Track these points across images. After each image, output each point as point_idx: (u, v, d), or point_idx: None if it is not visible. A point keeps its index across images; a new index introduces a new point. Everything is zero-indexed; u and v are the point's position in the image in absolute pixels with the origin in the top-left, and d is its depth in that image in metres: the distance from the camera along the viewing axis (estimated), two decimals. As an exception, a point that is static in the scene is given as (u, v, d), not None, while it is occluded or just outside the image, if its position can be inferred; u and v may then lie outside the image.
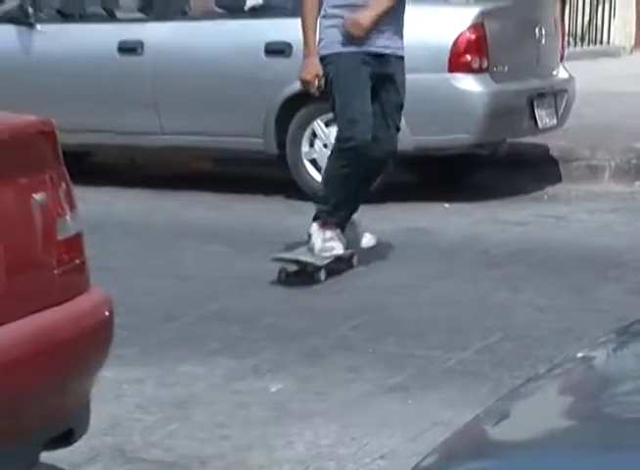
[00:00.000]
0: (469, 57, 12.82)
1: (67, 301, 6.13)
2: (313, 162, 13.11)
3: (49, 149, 6.29)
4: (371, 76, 9.34)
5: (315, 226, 10.24)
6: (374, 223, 11.52)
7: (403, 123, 12.51)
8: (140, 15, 13.80)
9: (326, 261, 10.17)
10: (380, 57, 9.55)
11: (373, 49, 9.48)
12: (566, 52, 14.81)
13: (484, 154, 13.81)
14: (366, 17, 9.35)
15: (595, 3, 19.19)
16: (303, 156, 13.12)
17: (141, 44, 13.35)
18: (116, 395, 7.32)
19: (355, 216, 10.67)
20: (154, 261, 10.44)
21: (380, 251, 10.26)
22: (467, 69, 12.83)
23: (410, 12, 12.82)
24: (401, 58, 9.99)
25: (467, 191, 13.29)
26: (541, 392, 4.59)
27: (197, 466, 7.01)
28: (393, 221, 11.93)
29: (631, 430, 4.19)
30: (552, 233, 12.02)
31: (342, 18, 9.55)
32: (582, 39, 18.49)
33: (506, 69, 13.08)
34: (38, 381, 5.95)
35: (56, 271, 6.12)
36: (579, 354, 4.80)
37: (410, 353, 8.65)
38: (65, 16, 13.67)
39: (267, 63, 13.02)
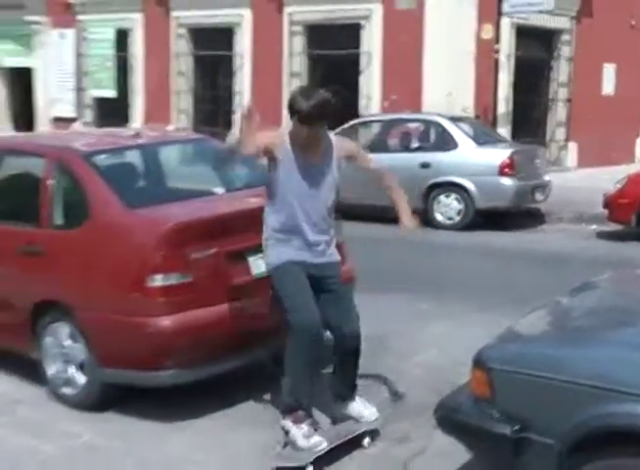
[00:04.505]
0: (507, 170, 12.54)
1: (342, 265, 5.98)
2: (439, 213, 12.93)
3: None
4: (309, 276, 4.99)
5: (289, 423, 4.86)
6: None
7: (478, 195, 12.40)
8: (366, 149, 13.51)
9: (317, 455, 4.75)
10: (310, 264, 5.01)
11: (308, 262, 4.98)
12: (546, 168, 14.31)
13: (513, 211, 13.21)
14: None
15: (559, 150, 18.79)
16: (433, 208, 12.90)
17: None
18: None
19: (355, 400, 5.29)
20: (373, 253, 9.68)
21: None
22: (505, 174, 12.54)
23: (482, 150, 12.66)
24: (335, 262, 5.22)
25: (508, 225, 12.89)
26: (536, 315, 4.41)
27: (382, 350, 6.80)
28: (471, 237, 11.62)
29: (580, 333, 4.01)
30: (541, 245, 11.66)
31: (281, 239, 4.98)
32: (554, 164, 17.97)
33: (522, 175, 12.75)
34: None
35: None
36: (556, 299, 4.61)
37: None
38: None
39: (420, 171, 12.79)
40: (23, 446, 5.17)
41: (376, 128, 13.94)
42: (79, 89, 22.49)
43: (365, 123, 14.38)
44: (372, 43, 17.93)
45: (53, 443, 5.19)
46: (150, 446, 5.12)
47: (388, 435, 5.22)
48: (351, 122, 14.15)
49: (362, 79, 18.18)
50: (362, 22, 18.07)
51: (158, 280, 5.15)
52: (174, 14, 20.61)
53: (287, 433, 4.88)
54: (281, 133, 4.97)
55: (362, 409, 5.23)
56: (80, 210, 5.68)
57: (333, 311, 5.00)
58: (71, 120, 21.96)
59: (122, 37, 21.53)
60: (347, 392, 5.24)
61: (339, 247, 6.19)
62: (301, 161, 4.93)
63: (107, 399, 5.62)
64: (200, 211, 5.61)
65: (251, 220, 5.54)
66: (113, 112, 21.36)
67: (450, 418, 4.14)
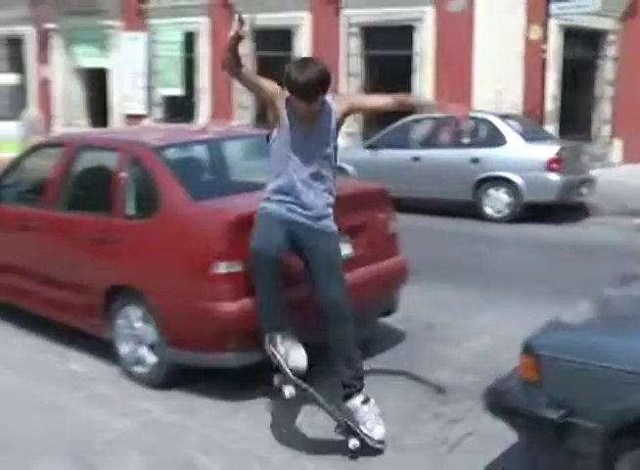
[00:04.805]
0: (554, 165, 12.32)
1: (392, 257, 6.08)
2: (488, 206, 12.78)
3: (386, 198, 6.20)
4: (290, 239, 4.77)
5: (270, 348, 4.73)
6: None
7: (526, 189, 12.21)
8: (419, 145, 13.56)
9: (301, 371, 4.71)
10: (298, 224, 4.76)
11: (298, 220, 4.76)
12: (592, 164, 14.04)
13: (560, 204, 12.86)
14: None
15: (604, 146, 18.53)
16: (482, 201, 12.76)
17: (419, 157, 13.18)
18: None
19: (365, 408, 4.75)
20: (424, 244, 9.55)
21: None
22: (553, 170, 12.33)
23: (530, 146, 12.47)
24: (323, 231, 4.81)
25: (554, 218, 12.63)
26: (583, 305, 4.34)
27: (431, 338, 6.76)
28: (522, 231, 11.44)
29: (626, 322, 3.94)
30: (587, 237, 11.45)
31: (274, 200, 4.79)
32: (599, 160, 17.65)
33: (569, 170, 12.53)
34: (381, 287, 5.86)
35: (388, 245, 6.06)
36: (602, 289, 4.53)
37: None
38: (390, 146, 13.55)
39: (470, 166, 12.69)
40: (98, 420, 5.24)
41: (428, 125, 13.84)
42: (149, 88, 22.70)
43: (418, 121, 14.28)
44: (424, 44, 17.91)
45: (125, 418, 5.25)
46: (215, 423, 5.14)
47: (440, 417, 5.19)
48: (404, 120, 14.09)
49: (415, 79, 18.13)
50: (415, 23, 18.03)
51: (222, 267, 5.17)
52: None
53: (272, 357, 4.72)
54: (284, 95, 4.64)
55: (373, 424, 4.72)
56: (150, 200, 5.72)
57: (317, 279, 4.79)
58: (142, 117, 22.17)
59: (189, 39, 21.70)
60: (351, 380, 4.79)
61: (392, 238, 6.19)
62: (299, 127, 4.66)
63: (174, 377, 5.67)
64: (261, 203, 5.62)
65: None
66: (180, 109, 21.53)
67: (499, 402, 4.10)
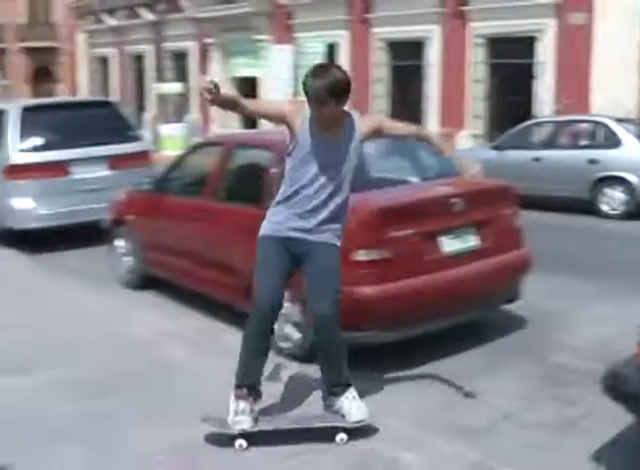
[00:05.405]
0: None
1: (517, 249, 5.93)
2: (604, 204, 12.28)
3: (511, 194, 6.05)
4: (292, 255, 4.31)
5: (232, 396, 4.32)
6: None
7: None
8: (540, 147, 13.14)
9: (237, 432, 4.21)
10: (294, 240, 4.28)
11: (284, 234, 4.29)
12: None
13: None
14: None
15: None
16: (599, 199, 12.25)
17: (540, 158, 12.81)
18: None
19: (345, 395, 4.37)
20: (545, 238, 9.05)
21: None
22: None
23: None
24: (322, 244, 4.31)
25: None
26: None
27: (550, 325, 6.55)
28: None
29: None
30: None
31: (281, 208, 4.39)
32: None
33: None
34: (505, 276, 5.74)
35: (513, 238, 5.91)
36: None
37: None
38: (513, 146, 13.20)
39: (588, 166, 12.25)
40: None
41: (548, 128, 13.47)
42: (295, 94, 22.96)
43: (539, 124, 13.91)
44: (546, 53, 17.47)
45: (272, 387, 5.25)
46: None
47: (557, 397, 5.04)
48: (526, 123, 13.80)
49: (536, 85, 17.73)
50: (537, 34, 17.61)
51: (361, 255, 5.17)
52: (374, 30, 20.79)
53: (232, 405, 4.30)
54: (303, 107, 4.20)
55: (351, 407, 4.31)
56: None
57: (311, 286, 4.33)
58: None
59: (331, 50, 21.90)
60: (333, 386, 4.38)
61: (517, 231, 6.01)
62: (318, 137, 4.17)
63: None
64: (398, 198, 5.58)
65: (442, 206, 5.50)
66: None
67: (616, 386, 3.94)
